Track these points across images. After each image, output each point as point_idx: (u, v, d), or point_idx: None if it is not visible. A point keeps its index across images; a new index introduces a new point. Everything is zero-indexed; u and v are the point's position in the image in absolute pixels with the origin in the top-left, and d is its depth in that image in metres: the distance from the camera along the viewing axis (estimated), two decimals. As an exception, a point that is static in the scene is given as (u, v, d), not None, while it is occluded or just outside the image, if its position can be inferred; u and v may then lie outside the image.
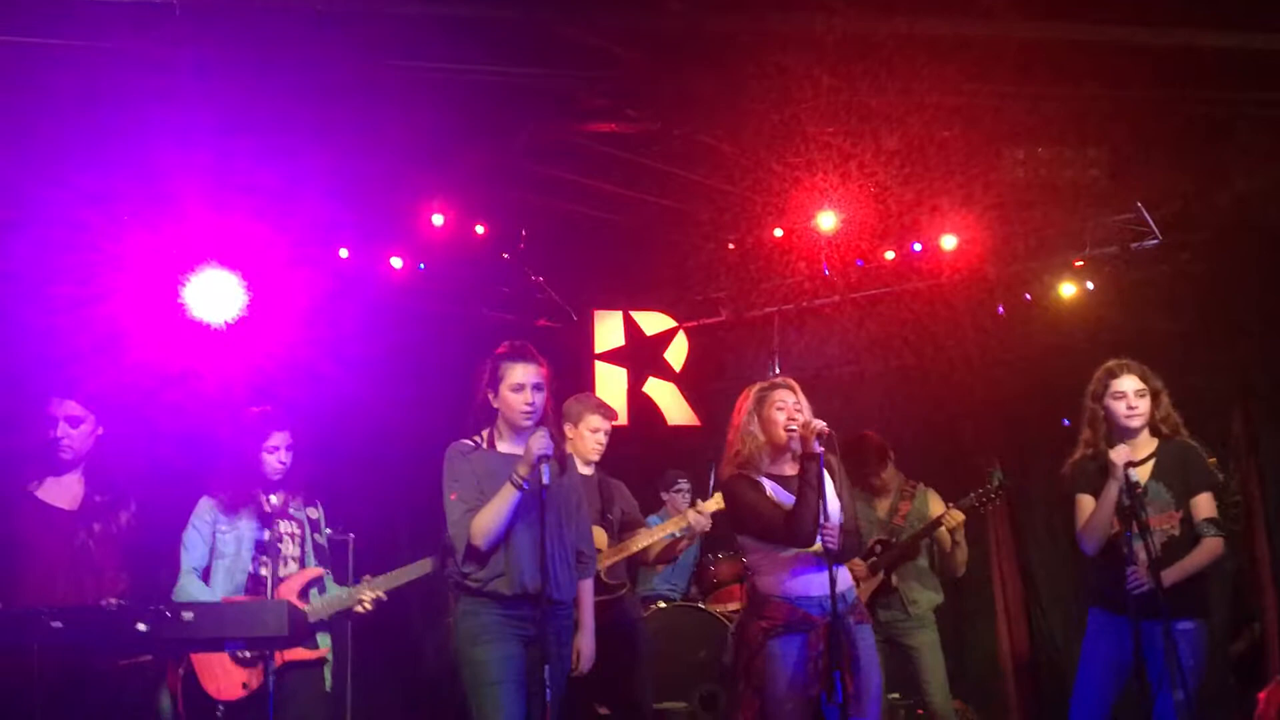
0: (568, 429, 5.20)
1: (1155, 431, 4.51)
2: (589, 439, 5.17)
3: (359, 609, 4.78)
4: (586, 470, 5.21)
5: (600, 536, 5.23)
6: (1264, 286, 6.44)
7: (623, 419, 7.70)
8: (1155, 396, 4.52)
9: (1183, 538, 4.41)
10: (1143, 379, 4.52)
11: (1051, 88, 5.46)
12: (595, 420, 5.20)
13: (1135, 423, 4.48)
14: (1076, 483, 4.58)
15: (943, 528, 5.67)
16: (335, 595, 4.81)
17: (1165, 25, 5.00)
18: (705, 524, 5.46)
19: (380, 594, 4.79)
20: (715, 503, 5.58)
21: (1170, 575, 4.25)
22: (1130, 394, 4.49)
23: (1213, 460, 4.59)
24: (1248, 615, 6.65)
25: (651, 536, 5.47)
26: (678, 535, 5.57)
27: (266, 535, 4.59)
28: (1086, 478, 4.54)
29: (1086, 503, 4.52)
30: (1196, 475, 4.47)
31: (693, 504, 5.58)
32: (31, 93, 4.90)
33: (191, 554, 4.68)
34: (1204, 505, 4.44)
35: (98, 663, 4.39)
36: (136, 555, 4.75)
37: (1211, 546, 4.40)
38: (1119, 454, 4.36)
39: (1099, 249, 6.92)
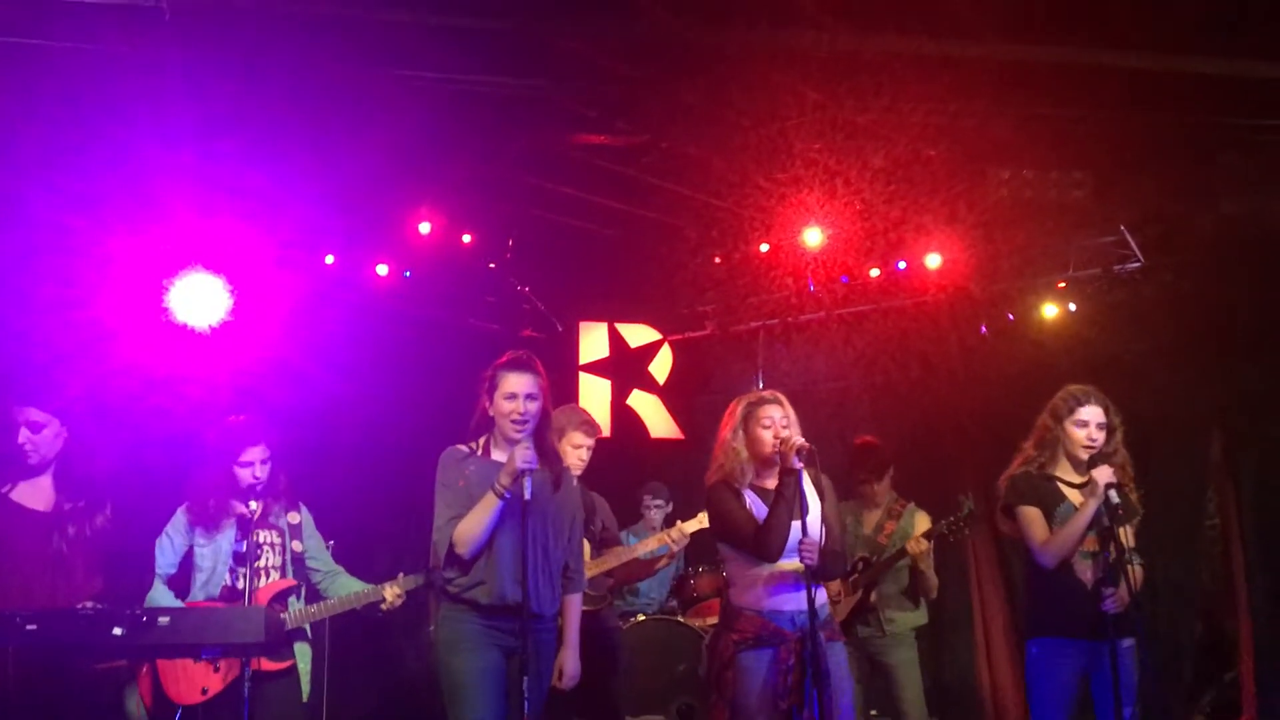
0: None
1: (1096, 462, 4.50)
2: (571, 454, 5.19)
3: (383, 605, 4.79)
4: None
5: (584, 549, 5.23)
6: (1246, 309, 6.47)
7: (606, 431, 7.71)
8: (1112, 432, 4.54)
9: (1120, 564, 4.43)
10: (1106, 412, 4.54)
11: (1037, 109, 5.50)
12: (578, 437, 5.22)
13: (1088, 454, 4.50)
14: (1020, 495, 4.57)
15: (907, 557, 5.67)
16: (355, 591, 4.80)
17: (1150, 49, 5.04)
18: (683, 544, 5.50)
19: (402, 594, 4.80)
20: (698, 522, 5.59)
21: (1124, 596, 4.31)
22: (1093, 425, 4.51)
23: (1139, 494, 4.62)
24: (1230, 638, 6.68)
25: (631, 554, 5.47)
26: (655, 554, 5.57)
27: (244, 546, 4.57)
28: (1032, 491, 4.55)
29: (1035, 515, 4.51)
30: (1125, 505, 4.48)
31: (670, 522, 5.59)
32: (18, 94, 4.89)
33: (160, 561, 4.69)
34: (1128, 537, 4.47)
35: (72, 666, 4.37)
36: (117, 559, 4.73)
37: (1139, 574, 4.46)
38: (1102, 474, 4.37)
39: (1082, 270, 6.97)
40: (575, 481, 5.20)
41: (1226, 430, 6.72)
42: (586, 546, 5.28)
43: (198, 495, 4.71)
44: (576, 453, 5.20)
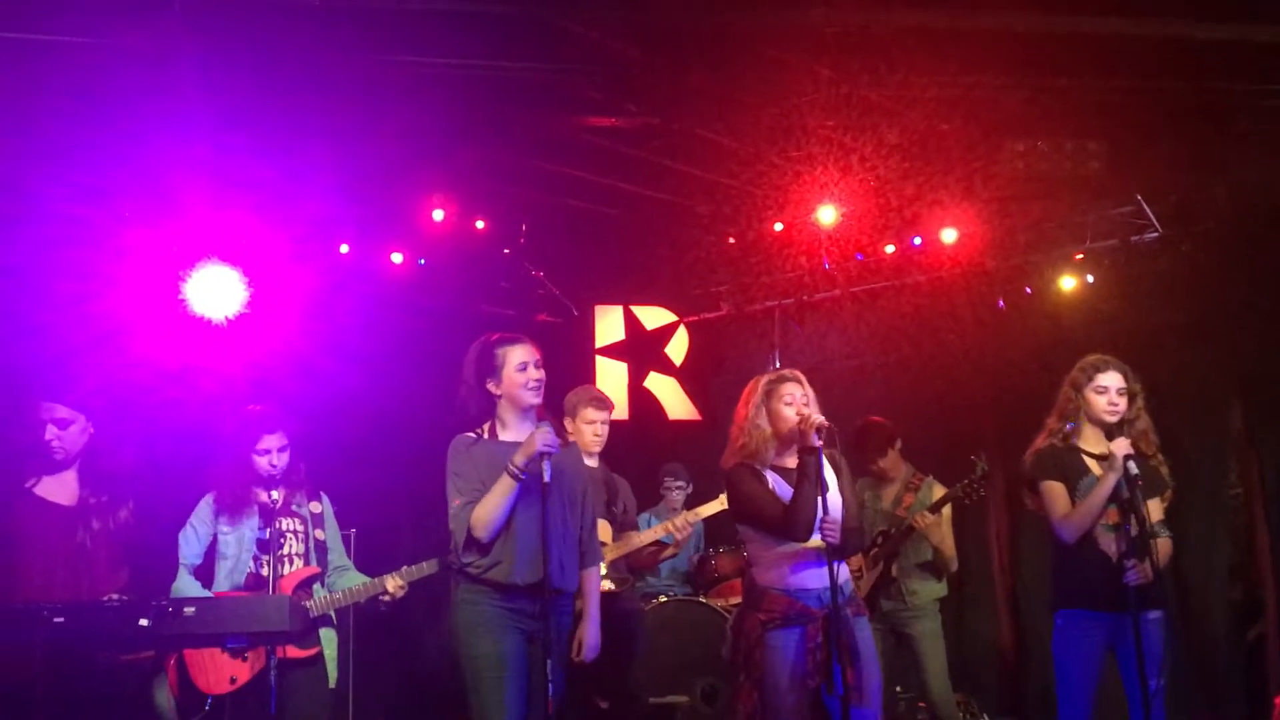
0: (565, 423, 5.22)
1: (1115, 433, 4.49)
2: (586, 431, 5.19)
3: (384, 598, 4.78)
4: (591, 463, 5.21)
5: (605, 530, 5.24)
6: (1263, 278, 6.43)
7: (624, 414, 7.72)
8: (1132, 398, 4.54)
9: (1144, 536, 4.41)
10: (1125, 378, 4.54)
11: (1051, 80, 5.46)
12: (590, 412, 5.22)
13: (1113, 419, 4.49)
14: (1044, 469, 4.56)
15: (915, 530, 5.66)
16: (358, 584, 4.81)
17: (1164, 17, 5.00)
18: (687, 534, 5.50)
19: (404, 584, 4.79)
20: (714, 505, 5.59)
21: (1148, 568, 4.28)
22: (1113, 390, 4.52)
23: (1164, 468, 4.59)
24: (1254, 605, 6.66)
25: (640, 541, 5.46)
26: (664, 541, 5.58)
27: (267, 533, 4.59)
28: (1055, 464, 4.55)
29: (1057, 489, 4.52)
30: (1151, 478, 4.48)
31: (690, 503, 5.58)
32: (31, 88, 4.90)
33: (185, 551, 4.70)
34: (1155, 509, 4.49)
35: (99, 658, 4.40)
36: (138, 551, 4.76)
37: (1167, 546, 4.47)
38: (1120, 445, 4.37)
39: (1099, 242, 6.92)
40: (595, 460, 5.22)
41: (1246, 399, 6.68)
42: (609, 528, 5.29)
43: (220, 484, 4.73)
44: (591, 428, 5.20)
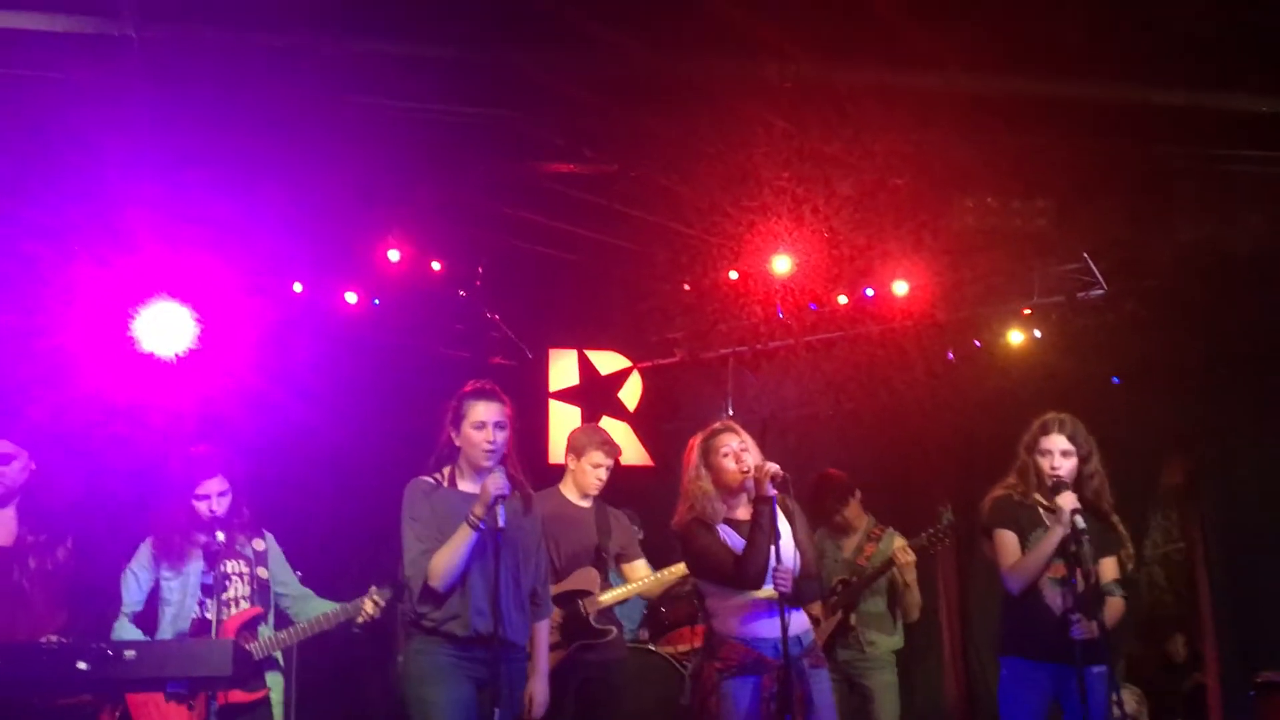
0: (570, 460, 5.26)
1: (1076, 489, 4.52)
2: (590, 473, 5.23)
3: (361, 618, 4.69)
4: (584, 503, 5.25)
5: (593, 578, 5.23)
6: (1206, 336, 6.57)
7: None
8: (1085, 458, 4.55)
9: (1091, 591, 4.43)
10: (1072, 439, 4.54)
11: (1000, 138, 5.58)
12: (598, 456, 5.26)
13: (1053, 483, 4.50)
14: (998, 517, 4.60)
15: (895, 569, 5.69)
16: (328, 611, 4.71)
17: (1113, 81, 5.13)
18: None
19: (382, 602, 4.72)
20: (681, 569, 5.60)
21: (1093, 625, 4.30)
22: (1055, 453, 4.53)
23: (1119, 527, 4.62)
24: (1194, 657, 6.74)
25: (655, 585, 5.44)
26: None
27: (211, 577, 4.50)
28: (1010, 515, 4.58)
29: (1009, 539, 4.55)
30: (1106, 537, 4.53)
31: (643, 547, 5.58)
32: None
33: (126, 598, 4.61)
34: (1109, 568, 4.54)
35: (36, 701, 4.30)
36: (79, 591, 4.67)
37: (1118, 606, 4.52)
38: (1066, 500, 4.40)
39: (1046, 298, 7.04)
40: (589, 500, 5.22)
41: (1189, 454, 6.79)
42: (597, 576, 5.25)
43: (160, 529, 4.65)
44: (595, 472, 5.25)
